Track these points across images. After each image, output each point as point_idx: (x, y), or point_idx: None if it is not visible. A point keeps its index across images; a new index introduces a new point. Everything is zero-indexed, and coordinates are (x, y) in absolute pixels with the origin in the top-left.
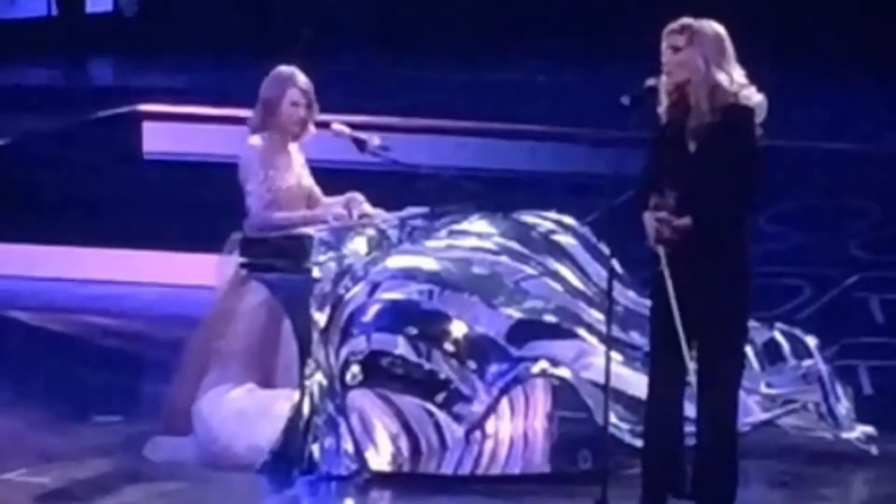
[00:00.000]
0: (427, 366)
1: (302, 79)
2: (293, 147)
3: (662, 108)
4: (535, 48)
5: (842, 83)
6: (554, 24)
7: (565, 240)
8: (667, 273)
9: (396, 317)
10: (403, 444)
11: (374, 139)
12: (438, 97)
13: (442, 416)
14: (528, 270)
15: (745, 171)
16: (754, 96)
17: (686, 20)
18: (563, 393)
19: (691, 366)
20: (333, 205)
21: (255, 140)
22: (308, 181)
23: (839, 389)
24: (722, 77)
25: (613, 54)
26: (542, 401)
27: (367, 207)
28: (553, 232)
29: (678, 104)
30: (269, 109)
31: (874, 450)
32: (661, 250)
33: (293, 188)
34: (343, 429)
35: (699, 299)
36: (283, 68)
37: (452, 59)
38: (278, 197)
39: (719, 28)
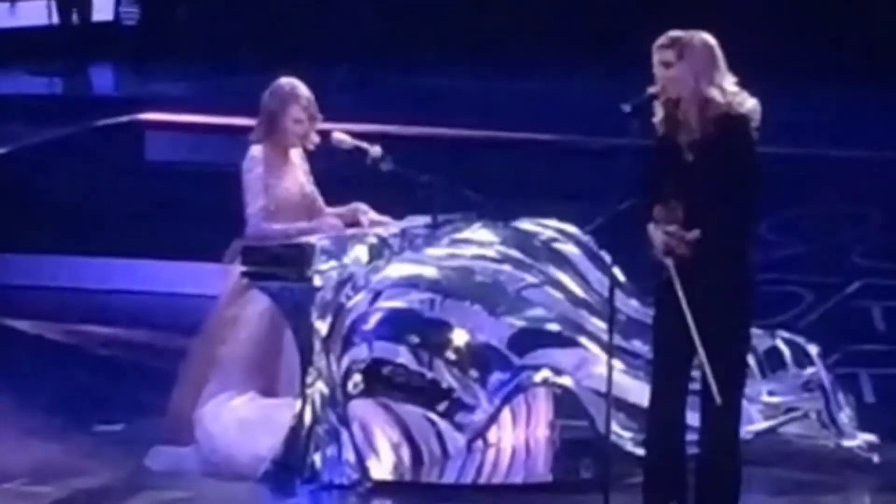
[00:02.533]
0: (429, 374)
1: (304, 93)
2: (296, 155)
3: (658, 120)
4: (539, 57)
5: (842, 90)
6: (559, 32)
7: (567, 248)
8: (677, 283)
9: (398, 325)
10: (405, 453)
11: (375, 148)
12: (441, 106)
13: (444, 425)
14: (530, 279)
15: (744, 179)
16: (747, 101)
17: (674, 33)
18: (565, 401)
19: (707, 367)
20: (339, 215)
21: (256, 150)
22: (311, 190)
23: (841, 397)
24: (712, 92)
25: (618, 63)
26: (543, 409)
27: (374, 215)
28: (555, 240)
29: (673, 116)
30: (271, 122)
31: (876, 458)
32: (669, 262)
33: (294, 197)
34: (345, 438)
35: (702, 308)
36: (284, 81)
37: (456, 68)
38: (279, 207)
39: (709, 39)
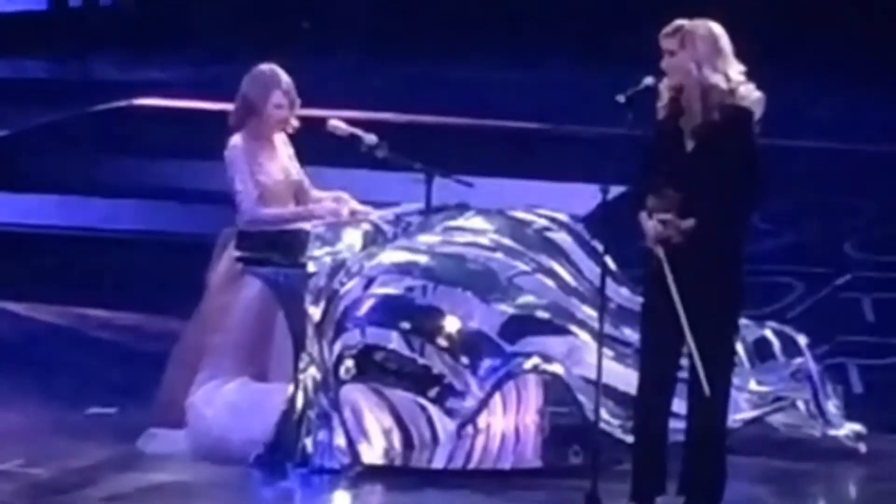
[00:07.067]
0: (420, 360)
1: (284, 79)
2: (279, 139)
3: (662, 104)
4: (531, 46)
5: (836, 82)
6: (551, 22)
7: (559, 236)
8: (668, 272)
9: (390, 311)
10: (396, 438)
11: (371, 136)
12: (435, 94)
13: (434, 410)
14: (522, 267)
15: (744, 171)
16: (752, 93)
17: (679, 22)
18: (555, 388)
19: (696, 358)
20: (322, 199)
21: (236, 139)
22: (296, 174)
23: (829, 387)
24: (715, 78)
25: (610, 53)
26: (533, 396)
27: (355, 205)
28: (547, 229)
29: (677, 101)
30: (251, 109)
31: (862, 447)
32: (660, 250)
33: (280, 182)
34: (336, 422)
35: (692, 297)
36: (265, 67)
37: (449, 57)
38: (265, 192)
39: (714, 27)
